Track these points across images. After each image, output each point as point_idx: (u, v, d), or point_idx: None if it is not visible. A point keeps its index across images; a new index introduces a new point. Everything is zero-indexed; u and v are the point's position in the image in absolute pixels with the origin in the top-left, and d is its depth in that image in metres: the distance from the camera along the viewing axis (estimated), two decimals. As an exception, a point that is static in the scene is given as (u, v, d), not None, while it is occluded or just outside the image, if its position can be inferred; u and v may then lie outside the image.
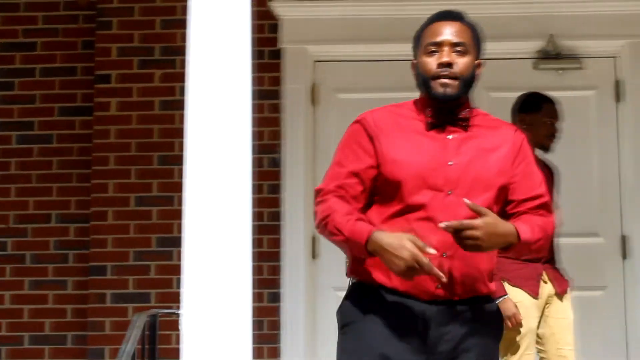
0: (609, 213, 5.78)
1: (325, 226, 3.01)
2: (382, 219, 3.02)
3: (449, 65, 3.04)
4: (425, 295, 2.96)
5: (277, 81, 5.86)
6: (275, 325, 5.66)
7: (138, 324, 4.26)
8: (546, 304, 4.57)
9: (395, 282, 2.96)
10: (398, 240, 2.84)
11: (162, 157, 5.79)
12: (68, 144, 5.99)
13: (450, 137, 3.07)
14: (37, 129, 5.99)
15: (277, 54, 5.88)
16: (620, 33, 5.80)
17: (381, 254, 2.87)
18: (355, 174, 3.06)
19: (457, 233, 2.84)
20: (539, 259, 4.43)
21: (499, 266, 3.44)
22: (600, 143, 5.84)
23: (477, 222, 2.84)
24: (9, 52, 6.07)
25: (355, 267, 3.07)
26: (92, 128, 5.88)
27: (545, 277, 4.55)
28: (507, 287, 4.43)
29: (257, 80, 5.13)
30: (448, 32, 3.08)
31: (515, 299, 4.42)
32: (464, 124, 3.08)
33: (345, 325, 3.05)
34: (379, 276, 2.99)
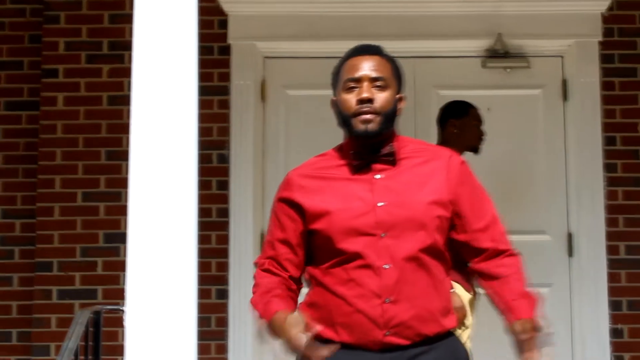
0: (555, 211, 5.83)
1: (250, 301, 3.08)
2: (322, 272, 2.99)
3: (369, 101, 2.96)
4: (374, 345, 2.89)
5: (226, 77, 5.83)
6: (223, 322, 5.64)
7: (81, 320, 4.23)
8: None
9: (343, 336, 2.91)
10: (288, 328, 2.85)
11: (110, 153, 5.75)
12: (14, 138, 5.92)
13: (377, 176, 2.99)
14: (-17, 123, 5.92)
15: (226, 50, 5.86)
16: (567, 32, 5.85)
17: (280, 336, 2.89)
18: (282, 241, 3.07)
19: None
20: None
21: None
22: (546, 141, 5.89)
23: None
24: (-47, 45, 6.00)
25: None
26: (39, 123, 5.82)
27: None
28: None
29: (206, 76, 5.14)
30: (367, 67, 3.00)
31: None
32: (390, 159, 3.01)
33: None
34: (326, 332, 2.92)
